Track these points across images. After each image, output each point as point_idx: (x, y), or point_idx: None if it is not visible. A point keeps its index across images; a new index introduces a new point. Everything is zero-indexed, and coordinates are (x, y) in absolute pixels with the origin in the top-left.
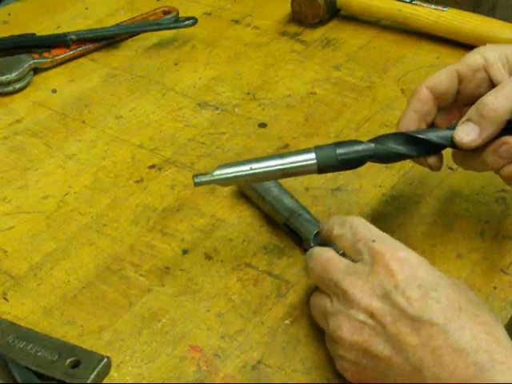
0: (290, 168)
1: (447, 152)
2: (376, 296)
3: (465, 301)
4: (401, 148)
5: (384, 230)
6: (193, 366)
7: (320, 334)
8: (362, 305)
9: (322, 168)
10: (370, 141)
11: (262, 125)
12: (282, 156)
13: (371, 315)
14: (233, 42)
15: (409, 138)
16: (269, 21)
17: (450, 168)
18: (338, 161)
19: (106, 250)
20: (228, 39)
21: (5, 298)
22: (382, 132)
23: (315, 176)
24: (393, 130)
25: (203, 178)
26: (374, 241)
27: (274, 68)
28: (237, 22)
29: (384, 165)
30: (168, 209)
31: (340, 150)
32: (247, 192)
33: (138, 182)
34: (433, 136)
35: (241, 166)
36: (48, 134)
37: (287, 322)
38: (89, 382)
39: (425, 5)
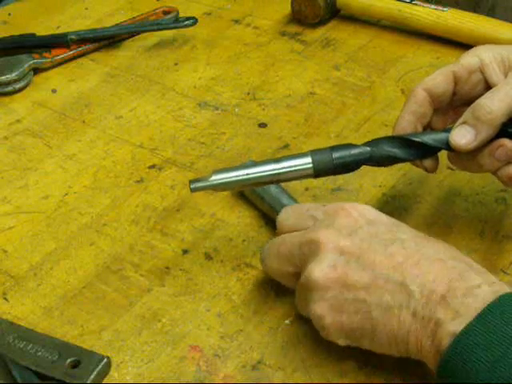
0: (286, 172)
1: (446, 152)
2: (342, 236)
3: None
4: (396, 151)
5: None
6: (193, 365)
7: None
8: (331, 246)
9: (318, 172)
10: (366, 144)
11: (262, 125)
12: (277, 161)
13: (342, 252)
14: (233, 41)
15: (404, 141)
16: (269, 21)
17: (450, 168)
18: (334, 164)
19: (106, 250)
20: (228, 39)
21: (5, 298)
22: (382, 132)
23: None
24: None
25: (199, 184)
26: (324, 205)
27: (274, 68)
28: (237, 21)
29: None
30: (168, 209)
31: (336, 154)
32: (246, 192)
33: (138, 182)
34: (428, 139)
35: (237, 171)
36: (48, 134)
37: (287, 321)
38: (89, 382)
39: (425, 5)
